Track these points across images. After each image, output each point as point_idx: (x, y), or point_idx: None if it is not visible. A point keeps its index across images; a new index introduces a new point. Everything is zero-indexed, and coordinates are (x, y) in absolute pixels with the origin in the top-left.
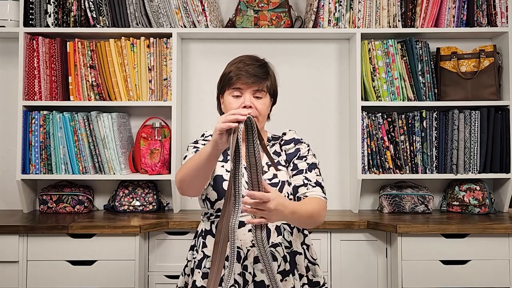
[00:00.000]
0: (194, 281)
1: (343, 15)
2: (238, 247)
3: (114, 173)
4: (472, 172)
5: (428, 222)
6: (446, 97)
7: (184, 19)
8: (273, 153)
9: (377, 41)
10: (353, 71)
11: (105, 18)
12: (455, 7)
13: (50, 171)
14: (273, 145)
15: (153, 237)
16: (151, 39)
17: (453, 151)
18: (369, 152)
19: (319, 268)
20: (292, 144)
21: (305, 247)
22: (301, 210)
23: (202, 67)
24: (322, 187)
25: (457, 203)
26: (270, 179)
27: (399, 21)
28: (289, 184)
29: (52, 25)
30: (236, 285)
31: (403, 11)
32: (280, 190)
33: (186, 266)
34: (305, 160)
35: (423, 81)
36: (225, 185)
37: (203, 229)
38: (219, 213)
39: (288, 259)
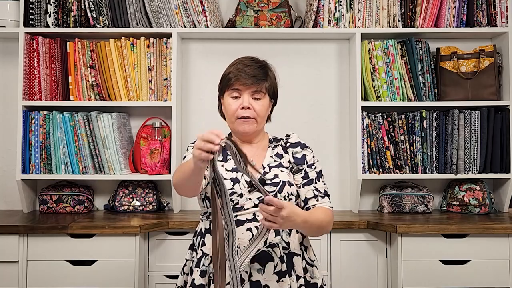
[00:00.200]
0: (193, 280)
1: (343, 15)
2: (236, 246)
3: (114, 173)
4: (472, 172)
5: (428, 222)
6: (446, 97)
7: (184, 19)
8: (275, 155)
9: (377, 41)
10: (353, 71)
11: (105, 18)
12: (455, 7)
13: (50, 171)
14: (275, 147)
15: (153, 237)
16: (151, 39)
17: (453, 151)
18: (369, 152)
19: (317, 270)
20: (299, 148)
21: (303, 248)
22: (312, 219)
23: (202, 67)
24: (329, 196)
25: (457, 203)
26: (271, 179)
27: (399, 21)
28: (290, 184)
29: (52, 25)
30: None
31: (403, 11)
32: (280, 190)
33: (185, 265)
34: (314, 169)
35: (423, 81)
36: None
37: (202, 228)
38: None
39: (285, 260)
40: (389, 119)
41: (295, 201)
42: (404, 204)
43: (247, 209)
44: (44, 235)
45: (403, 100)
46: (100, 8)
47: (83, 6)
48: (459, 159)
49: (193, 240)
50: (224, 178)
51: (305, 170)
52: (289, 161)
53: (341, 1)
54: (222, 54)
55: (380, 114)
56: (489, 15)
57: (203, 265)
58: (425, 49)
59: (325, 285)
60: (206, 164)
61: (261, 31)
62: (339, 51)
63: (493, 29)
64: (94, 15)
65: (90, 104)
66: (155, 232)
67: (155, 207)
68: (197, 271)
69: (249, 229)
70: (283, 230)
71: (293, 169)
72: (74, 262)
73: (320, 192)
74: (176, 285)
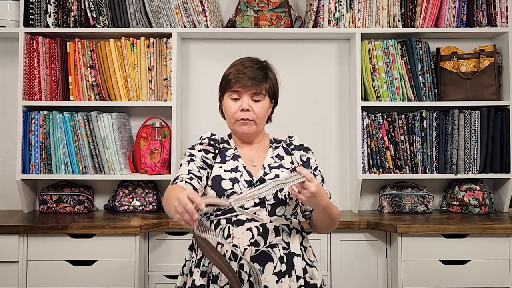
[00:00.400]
0: (194, 281)
1: (343, 15)
2: (236, 246)
3: (114, 173)
4: (472, 172)
5: (428, 222)
6: (446, 97)
7: (184, 19)
8: (275, 156)
9: (377, 41)
10: (353, 71)
11: (105, 18)
12: (455, 7)
13: (50, 171)
14: (276, 148)
15: (153, 237)
16: (151, 39)
17: (453, 151)
18: (369, 152)
19: (317, 270)
20: (303, 152)
21: (302, 248)
22: (330, 210)
23: (202, 67)
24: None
25: (457, 203)
26: (271, 179)
27: (399, 21)
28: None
29: (52, 25)
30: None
31: (403, 11)
32: (281, 189)
33: (184, 266)
34: (320, 172)
35: (423, 81)
36: (223, 183)
37: None
38: (219, 212)
39: (285, 260)
40: (389, 119)
41: (295, 201)
42: (404, 204)
43: (247, 208)
44: (44, 235)
45: (403, 100)
46: (100, 8)
47: (83, 6)
48: (459, 159)
49: (193, 240)
50: (223, 179)
51: (312, 173)
52: (291, 162)
53: (341, 1)
54: (222, 54)
55: (380, 114)
56: (489, 15)
57: (203, 265)
58: (425, 49)
59: (324, 285)
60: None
61: (261, 31)
62: (339, 51)
63: (493, 29)
64: (94, 15)
65: (90, 104)
66: (155, 232)
67: (155, 207)
68: (197, 271)
69: (249, 229)
70: (283, 230)
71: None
72: (74, 262)
73: (328, 194)
74: (176, 286)
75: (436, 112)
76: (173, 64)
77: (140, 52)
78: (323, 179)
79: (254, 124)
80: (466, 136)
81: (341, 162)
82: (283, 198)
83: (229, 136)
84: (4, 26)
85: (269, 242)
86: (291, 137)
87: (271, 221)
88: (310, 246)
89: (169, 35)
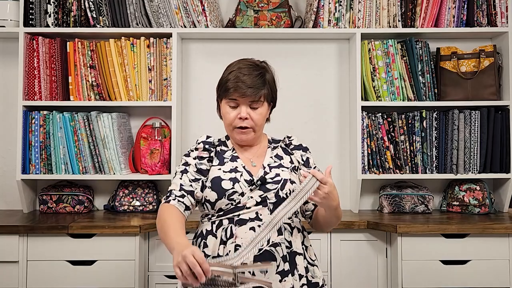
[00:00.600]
0: None
1: (343, 15)
2: (239, 245)
3: (114, 173)
4: (472, 172)
5: (428, 222)
6: (446, 97)
7: (184, 19)
8: (274, 156)
9: (377, 41)
10: (353, 71)
11: (105, 18)
12: (455, 7)
13: (50, 171)
14: (274, 148)
15: (153, 237)
16: (151, 39)
17: (453, 151)
18: (369, 152)
19: (318, 269)
20: (302, 151)
21: (304, 247)
22: (340, 209)
23: (202, 67)
24: None
25: (457, 203)
26: (272, 178)
27: (399, 21)
28: (292, 182)
29: (52, 25)
30: None
31: (403, 11)
32: (282, 187)
33: None
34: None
35: (423, 81)
36: (223, 184)
37: (204, 230)
38: (221, 213)
39: (288, 259)
40: (389, 119)
41: None
42: (404, 204)
43: (249, 207)
44: (44, 235)
45: (403, 100)
46: (100, 8)
47: (83, 6)
48: (459, 159)
49: (193, 242)
50: (223, 179)
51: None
52: (291, 161)
53: (341, 1)
54: (222, 54)
55: (380, 114)
56: (489, 15)
57: None
58: (425, 49)
59: (325, 284)
60: None
61: (261, 31)
62: (339, 51)
63: (493, 29)
64: (94, 15)
65: (90, 104)
66: (155, 232)
67: (155, 207)
68: None
69: (252, 228)
70: (285, 229)
71: (299, 170)
72: (74, 262)
73: None
74: (177, 287)
75: (436, 112)
76: (173, 64)
77: (140, 52)
78: None
79: (252, 131)
80: (466, 136)
81: (341, 162)
82: (285, 196)
83: (227, 137)
84: (4, 26)
85: (272, 241)
86: (290, 137)
87: None
88: (311, 245)
89: (169, 35)
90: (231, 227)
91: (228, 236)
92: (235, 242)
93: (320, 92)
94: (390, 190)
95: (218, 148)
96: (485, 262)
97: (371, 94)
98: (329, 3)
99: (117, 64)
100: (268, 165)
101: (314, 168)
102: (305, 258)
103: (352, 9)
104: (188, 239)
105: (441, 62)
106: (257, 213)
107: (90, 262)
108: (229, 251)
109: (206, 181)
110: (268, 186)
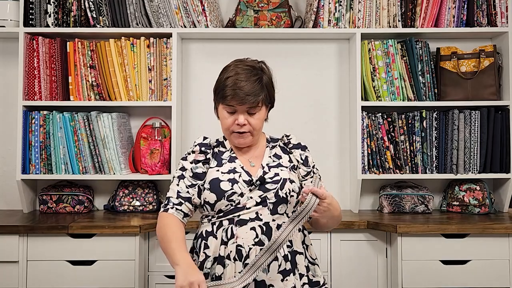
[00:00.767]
0: None
1: (343, 15)
2: (240, 245)
3: (114, 173)
4: (472, 172)
5: (428, 222)
6: (446, 97)
7: (184, 19)
8: (273, 155)
9: (377, 41)
10: (353, 71)
11: (105, 18)
12: (455, 7)
13: (50, 171)
14: (273, 147)
15: (153, 237)
16: (151, 39)
17: (453, 151)
18: (369, 152)
19: (319, 268)
20: (301, 150)
21: (305, 246)
22: (339, 211)
23: (202, 67)
24: None
25: (457, 203)
26: (271, 178)
27: (399, 21)
28: (291, 181)
29: (52, 25)
30: None
31: (403, 11)
32: (282, 187)
33: None
34: (317, 171)
35: (423, 81)
36: (222, 185)
37: (204, 231)
38: (220, 214)
39: (289, 259)
40: (389, 119)
41: (296, 198)
42: (404, 204)
43: (249, 207)
44: (44, 235)
45: (403, 100)
46: (100, 8)
47: (83, 6)
48: (459, 159)
49: (194, 243)
50: (222, 180)
51: (312, 171)
52: (290, 160)
53: (341, 1)
54: (222, 54)
55: (380, 114)
56: (489, 15)
57: (206, 267)
58: (425, 49)
59: (326, 283)
60: None
61: (261, 31)
62: (339, 51)
63: (493, 29)
64: (94, 15)
65: (90, 104)
66: (155, 232)
67: (155, 207)
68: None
69: (253, 228)
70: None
71: (299, 169)
72: (74, 262)
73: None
74: None
75: (436, 112)
76: (173, 64)
77: (140, 52)
78: (320, 177)
79: (250, 135)
80: (466, 136)
81: (341, 162)
82: (284, 196)
83: (225, 137)
84: (4, 26)
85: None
86: (288, 136)
87: (273, 220)
88: (311, 244)
89: (169, 35)
90: (231, 227)
91: (229, 237)
92: (236, 242)
93: (320, 92)
94: (390, 190)
95: (216, 150)
96: (485, 262)
97: (371, 94)
98: (329, 3)
99: (117, 64)
100: (267, 164)
101: (313, 166)
102: (305, 257)
103: (352, 9)
104: (189, 239)
105: (441, 62)
106: (257, 213)
107: (90, 262)
108: (230, 251)
109: (203, 184)
110: (267, 186)
